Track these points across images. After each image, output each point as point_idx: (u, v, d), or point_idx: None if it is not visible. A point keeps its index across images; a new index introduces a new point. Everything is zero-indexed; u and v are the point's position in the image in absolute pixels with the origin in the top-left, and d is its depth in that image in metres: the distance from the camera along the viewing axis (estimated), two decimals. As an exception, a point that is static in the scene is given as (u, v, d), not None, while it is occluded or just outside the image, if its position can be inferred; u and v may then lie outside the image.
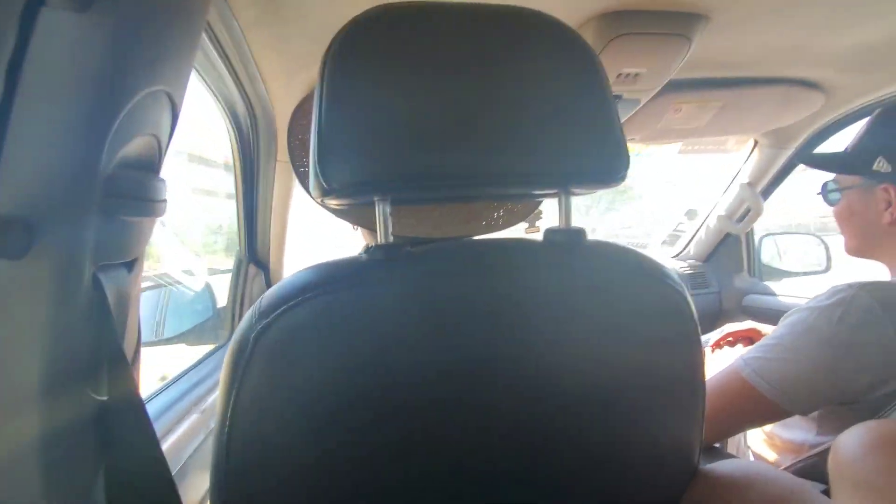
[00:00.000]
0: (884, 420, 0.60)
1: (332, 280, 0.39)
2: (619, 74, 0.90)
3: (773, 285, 1.73)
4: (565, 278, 0.44)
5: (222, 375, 0.37)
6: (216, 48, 0.68)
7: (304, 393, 0.37)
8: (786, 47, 0.98)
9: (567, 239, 0.46)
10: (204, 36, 0.63)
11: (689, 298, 0.47)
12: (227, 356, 0.38)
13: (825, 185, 0.87)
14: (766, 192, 1.56)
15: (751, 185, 1.52)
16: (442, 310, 0.40)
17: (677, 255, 1.95)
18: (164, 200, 0.39)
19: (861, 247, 0.84)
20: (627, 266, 0.46)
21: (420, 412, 0.40)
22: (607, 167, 0.43)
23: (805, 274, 1.79)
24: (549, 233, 0.47)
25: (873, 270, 0.85)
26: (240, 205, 1.11)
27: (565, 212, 0.46)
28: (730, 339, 1.17)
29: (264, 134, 0.96)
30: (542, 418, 0.43)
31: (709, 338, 1.22)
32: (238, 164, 1.02)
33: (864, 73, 1.08)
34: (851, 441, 0.61)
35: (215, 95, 0.82)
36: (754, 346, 0.79)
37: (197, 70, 0.71)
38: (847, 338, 0.67)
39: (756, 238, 1.80)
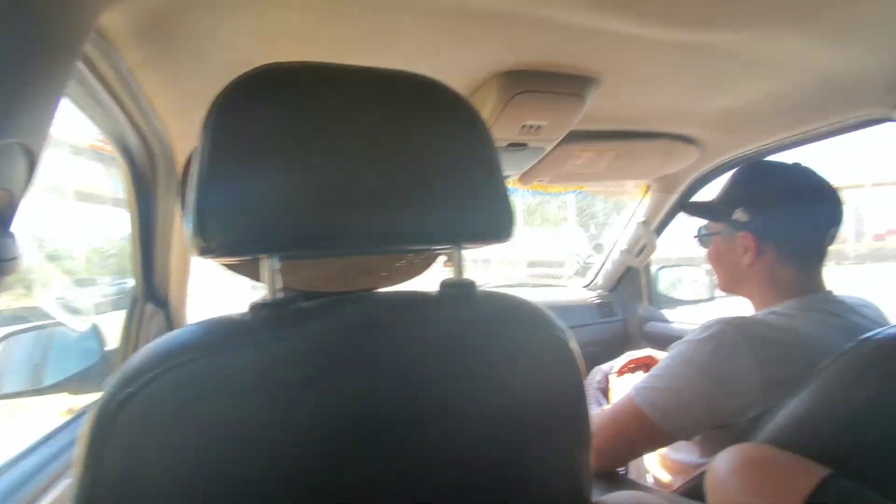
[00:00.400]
0: (750, 444, 0.67)
1: (211, 341, 0.36)
2: (524, 126, 0.97)
3: (670, 312, 1.90)
4: (457, 330, 0.45)
5: (76, 454, 0.33)
6: (103, 87, 0.63)
7: (176, 475, 0.33)
8: (666, 108, 1.12)
9: (460, 291, 0.48)
10: (88, 74, 0.58)
11: (574, 345, 0.51)
12: (82, 430, 0.33)
13: (699, 230, 0.98)
14: (659, 230, 1.74)
15: (646, 223, 1.69)
16: (334, 369, 0.39)
17: (588, 286, 2.09)
18: (15, 258, 0.35)
19: (728, 285, 0.95)
20: (517, 317, 0.49)
21: (309, 479, 0.38)
22: (496, 225, 0.46)
23: (694, 302, 2.00)
24: (444, 285, 0.48)
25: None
26: (135, 238, 1.03)
27: (458, 266, 0.48)
28: (631, 365, 1.26)
29: (163, 169, 0.91)
30: (435, 469, 0.43)
31: (613, 365, 1.31)
32: (133, 197, 0.95)
33: (729, 133, 1.26)
34: (721, 463, 0.68)
35: (102, 129, 0.76)
36: (646, 375, 0.86)
37: (79, 105, 0.66)
38: (718, 368, 0.75)
39: (653, 269, 1.97)
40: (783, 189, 0.86)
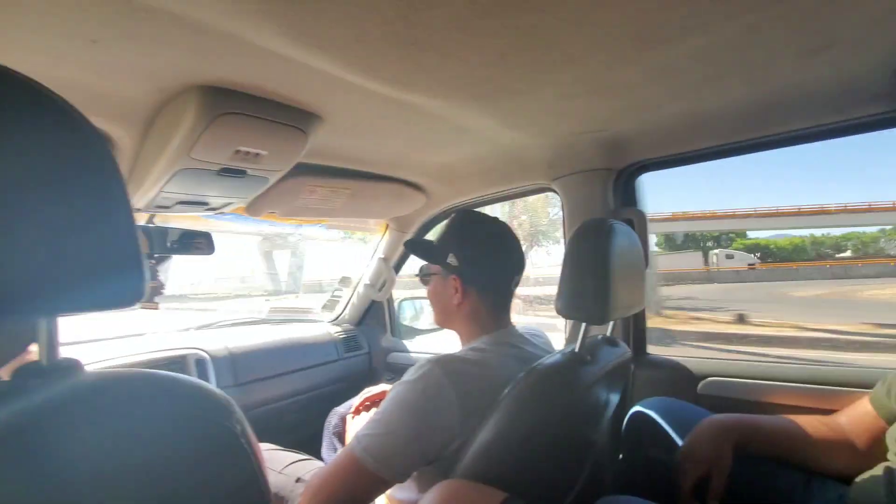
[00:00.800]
0: (446, 481, 0.71)
1: None
2: (238, 151, 0.85)
3: (411, 342, 2.02)
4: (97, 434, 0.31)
5: None
6: None
7: None
8: (394, 154, 1.19)
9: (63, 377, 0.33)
10: None
11: (241, 424, 0.42)
12: None
13: (420, 269, 1.04)
14: (398, 266, 1.84)
15: (385, 259, 1.76)
16: None
17: (335, 320, 2.05)
18: None
19: (442, 321, 1.02)
20: (164, 410, 0.37)
21: None
22: (118, 286, 0.34)
23: (433, 331, 2.19)
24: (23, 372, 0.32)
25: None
26: None
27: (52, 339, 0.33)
28: (367, 403, 1.24)
29: None
30: None
31: (351, 404, 1.27)
32: None
33: (447, 184, 1.43)
34: (425, 502, 0.69)
35: None
36: (368, 421, 0.83)
37: None
38: (426, 406, 0.78)
39: (396, 302, 2.08)
40: (484, 240, 0.98)
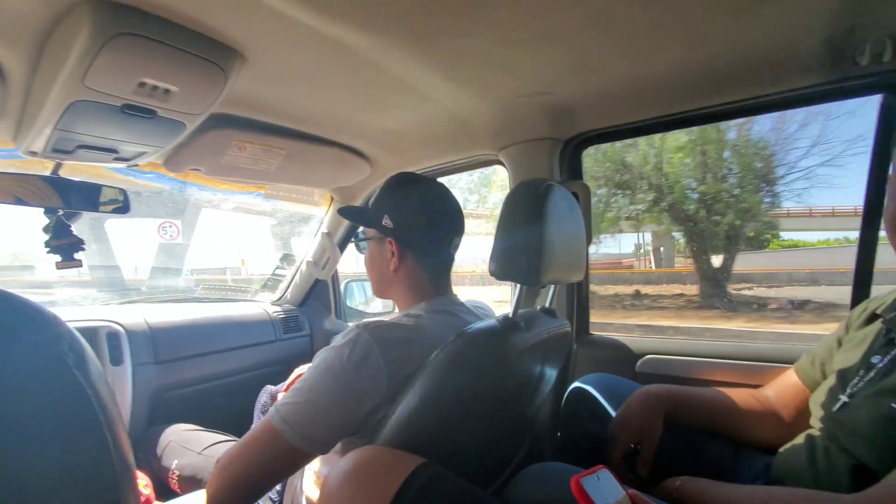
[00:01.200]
0: (360, 448, 0.65)
1: None
2: (143, 84, 0.76)
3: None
4: None
5: None
6: None
7: None
8: (332, 113, 1.11)
9: None
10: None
11: (77, 355, 0.35)
12: None
13: (356, 234, 0.98)
14: (343, 243, 1.76)
15: (329, 235, 1.68)
16: None
17: (277, 300, 1.94)
18: None
19: (380, 289, 0.96)
20: None
21: None
22: None
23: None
24: None
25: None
26: None
27: None
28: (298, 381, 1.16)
29: None
30: None
31: (285, 383, 1.19)
32: None
33: (393, 153, 1.37)
34: (333, 474, 0.63)
35: None
36: (290, 388, 0.77)
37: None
38: (352, 373, 0.72)
39: (342, 283, 2.00)
40: (420, 200, 0.92)
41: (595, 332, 1.37)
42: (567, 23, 0.74)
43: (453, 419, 0.70)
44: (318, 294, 1.94)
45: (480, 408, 0.74)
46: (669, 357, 1.20)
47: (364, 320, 0.79)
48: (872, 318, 0.79)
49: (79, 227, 1.11)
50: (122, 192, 1.14)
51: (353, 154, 1.32)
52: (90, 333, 1.28)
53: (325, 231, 1.67)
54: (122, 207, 1.14)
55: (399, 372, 0.74)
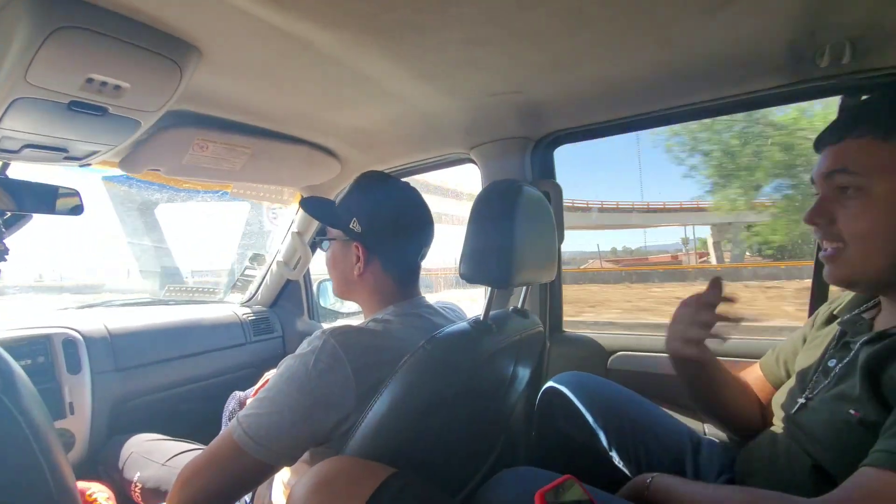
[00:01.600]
0: (328, 460, 0.63)
1: None
2: (91, 80, 0.71)
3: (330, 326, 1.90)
4: None
5: None
6: None
7: None
8: (300, 112, 1.07)
9: None
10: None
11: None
12: None
13: (317, 230, 0.95)
14: (314, 243, 1.72)
15: (300, 234, 1.63)
16: None
17: (247, 302, 1.89)
18: None
19: (342, 291, 0.93)
20: None
21: None
22: None
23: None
24: None
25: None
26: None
27: None
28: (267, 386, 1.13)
29: None
30: None
31: (254, 388, 1.15)
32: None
33: (363, 151, 1.34)
34: (299, 487, 0.61)
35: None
36: (254, 398, 0.74)
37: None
38: (318, 382, 0.70)
39: (314, 283, 1.95)
40: (392, 208, 0.89)
41: (568, 330, 1.38)
42: (538, 22, 0.73)
43: (424, 426, 0.69)
44: (290, 294, 1.89)
45: (452, 413, 0.73)
46: (640, 353, 1.22)
47: (330, 325, 0.77)
48: (831, 318, 0.79)
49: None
50: (76, 192, 1.08)
51: (322, 152, 1.28)
52: (43, 342, 1.21)
53: (296, 231, 1.63)
54: (78, 209, 1.08)
55: (367, 379, 0.72)
